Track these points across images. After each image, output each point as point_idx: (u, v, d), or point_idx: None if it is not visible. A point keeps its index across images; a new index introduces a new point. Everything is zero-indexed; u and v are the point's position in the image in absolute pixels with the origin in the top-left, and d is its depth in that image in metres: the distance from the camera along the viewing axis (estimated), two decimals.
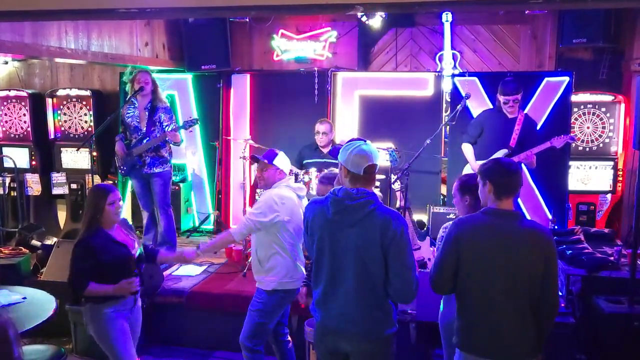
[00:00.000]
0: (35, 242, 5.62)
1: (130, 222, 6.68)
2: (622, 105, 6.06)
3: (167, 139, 5.44)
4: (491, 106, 5.89)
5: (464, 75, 6.24)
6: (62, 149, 7.05)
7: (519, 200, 5.84)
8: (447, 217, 5.62)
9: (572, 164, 6.08)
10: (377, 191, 5.21)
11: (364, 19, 6.67)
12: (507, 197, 2.80)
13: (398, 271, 2.69)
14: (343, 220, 2.73)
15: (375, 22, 6.69)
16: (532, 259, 2.70)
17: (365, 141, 2.87)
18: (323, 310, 2.84)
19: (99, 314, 3.43)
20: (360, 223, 2.71)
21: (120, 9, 2.75)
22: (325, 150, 5.89)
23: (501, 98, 5.30)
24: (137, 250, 3.58)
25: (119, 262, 3.43)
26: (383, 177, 5.56)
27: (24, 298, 3.62)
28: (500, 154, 5.15)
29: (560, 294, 4.53)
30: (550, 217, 5.85)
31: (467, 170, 5.52)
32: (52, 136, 7.07)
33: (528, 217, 5.93)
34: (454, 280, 2.79)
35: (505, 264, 2.69)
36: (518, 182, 2.85)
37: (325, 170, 5.51)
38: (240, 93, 6.94)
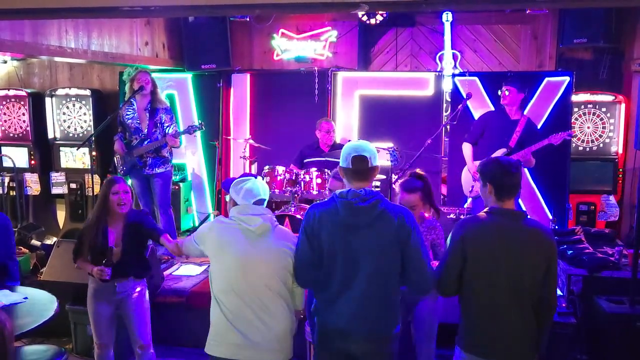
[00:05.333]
0: (34, 242, 5.60)
1: None
2: (623, 105, 6.06)
3: (165, 143, 5.44)
4: (491, 106, 5.90)
5: (465, 75, 6.24)
6: (61, 148, 7.03)
7: (519, 200, 5.85)
8: (448, 216, 5.62)
9: (573, 164, 6.08)
10: None
11: (364, 18, 6.65)
12: (509, 197, 2.79)
13: (417, 265, 2.70)
14: (357, 222, 2.70)
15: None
16: (536, 258, 2.71)
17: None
18: (331, 313, 2.79)
19: (89, 287, 3.81)
20: (374, 223, 2.69)
21: (124, 7, 2.73)
22: (326, 150, 5.88)
23: None
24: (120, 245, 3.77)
25: (97, 249, 3.67)
26: (383, 177, 5.55)
27: (25, 298, 3.60)
28: (499, 153, 5.16)
29: (560, 294, 4.56)
30: (550, 217, 5.85)
31: (466, 170, 5.55)
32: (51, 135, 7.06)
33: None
34: (459, 281, 2.79)
35: (512, 263, 2.69)
36: (519, 182, 2.84)
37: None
38: (240, 92, 6.93)
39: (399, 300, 2.82)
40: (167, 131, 5.48)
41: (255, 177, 3.10)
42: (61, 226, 7.26)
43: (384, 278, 2.72)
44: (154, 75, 5.68)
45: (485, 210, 2.84)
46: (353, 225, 2.70)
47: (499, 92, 5.40)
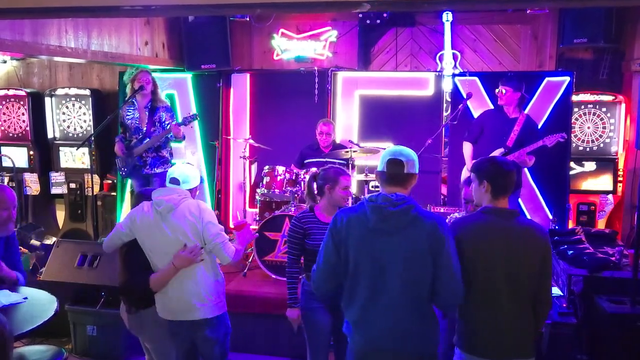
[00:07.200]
0: (34, 242, 5.59)
1: None
2: (623, 106, 6.07)
3: (170, 135, 5.42)
4: (492, 106, 5.90)
5: (465, 75, 6.24)
6: (60, 148, 7.02)
7: (520, 200, 5.85)
8: (448, 217, 5.62)
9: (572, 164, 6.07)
10: None
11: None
12: (504, 196, 2.82)
13: (447, 277, 2.54)
14: (387, 228, 2.54)
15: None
16: (531, 256, 2.72)
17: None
18: (363, 330, 2.62)
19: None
20: (405, 230, 2.53)
21: (124, 6, 2.73)
22: (326, 151, 5.88)
23: None
24: None
25: None
26: None
27: (25, 298, 3.59)
28: (496, 153, 5.16)
29: (561, 294, 4.55)
30: (550, 217, 5.85)
31: (465, 170, 5.54)
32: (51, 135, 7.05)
33: (528, 217, 5.94)
34: None
35: (508, 262, 2.70)
36: (514, 181, 2.87)
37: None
38: (240, 92, 6.92)
39: (434, 314, 2.65)
40: (167, 128, 5.47)
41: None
42: (61, 226, 7.26)
43: (419, 289, 2.55)
44: (153, 75, 5.67)
45: (479, 209, 2.85)
46: (383, 231, 2.55)
47: (496, 92, 5.40)
